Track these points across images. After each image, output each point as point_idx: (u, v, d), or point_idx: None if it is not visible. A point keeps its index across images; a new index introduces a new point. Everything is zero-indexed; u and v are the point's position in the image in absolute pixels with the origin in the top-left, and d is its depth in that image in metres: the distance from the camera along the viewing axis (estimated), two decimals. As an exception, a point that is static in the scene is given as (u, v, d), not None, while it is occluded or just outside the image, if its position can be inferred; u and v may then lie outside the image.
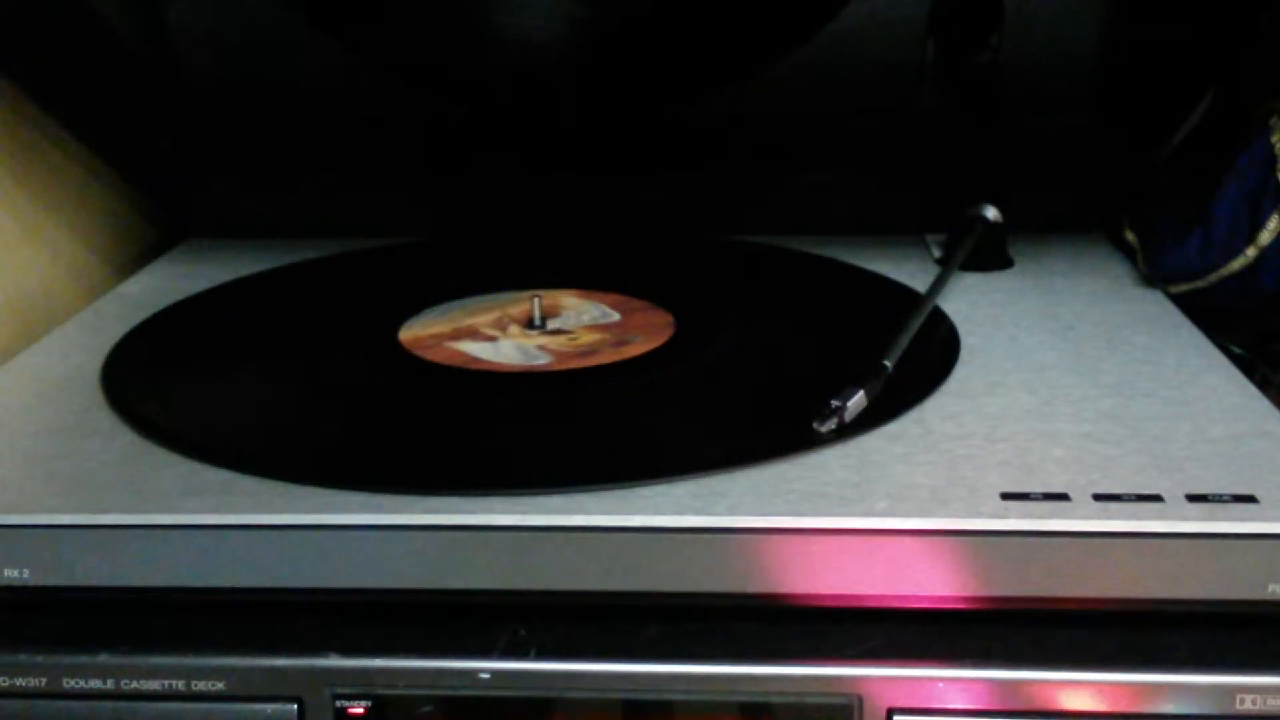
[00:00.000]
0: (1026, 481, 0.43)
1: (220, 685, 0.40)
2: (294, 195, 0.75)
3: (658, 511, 0.41)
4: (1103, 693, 0.39)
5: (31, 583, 0.42)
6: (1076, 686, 0.39)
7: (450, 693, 0.40)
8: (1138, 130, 0.71)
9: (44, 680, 0.41)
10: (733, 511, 0.41)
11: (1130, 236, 0.66)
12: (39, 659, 0.41)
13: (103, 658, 0.41)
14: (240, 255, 0.71)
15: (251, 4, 0.72)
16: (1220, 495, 0.41)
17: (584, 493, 0.42)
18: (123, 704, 0.41)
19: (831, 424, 0.46)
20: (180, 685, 0.41)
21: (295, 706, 0.40)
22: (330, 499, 0.42)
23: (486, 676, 0.40)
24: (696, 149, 0.74)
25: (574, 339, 0.57)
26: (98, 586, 0.42)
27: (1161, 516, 0.40)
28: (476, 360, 0.54)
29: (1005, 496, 0.42)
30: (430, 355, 0.55)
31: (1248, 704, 0.39)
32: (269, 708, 0.40)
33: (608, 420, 0.50)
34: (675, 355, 0.55)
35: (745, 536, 0.40)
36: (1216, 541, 0.40)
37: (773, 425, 0.47)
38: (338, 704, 0.40)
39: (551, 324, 0.58)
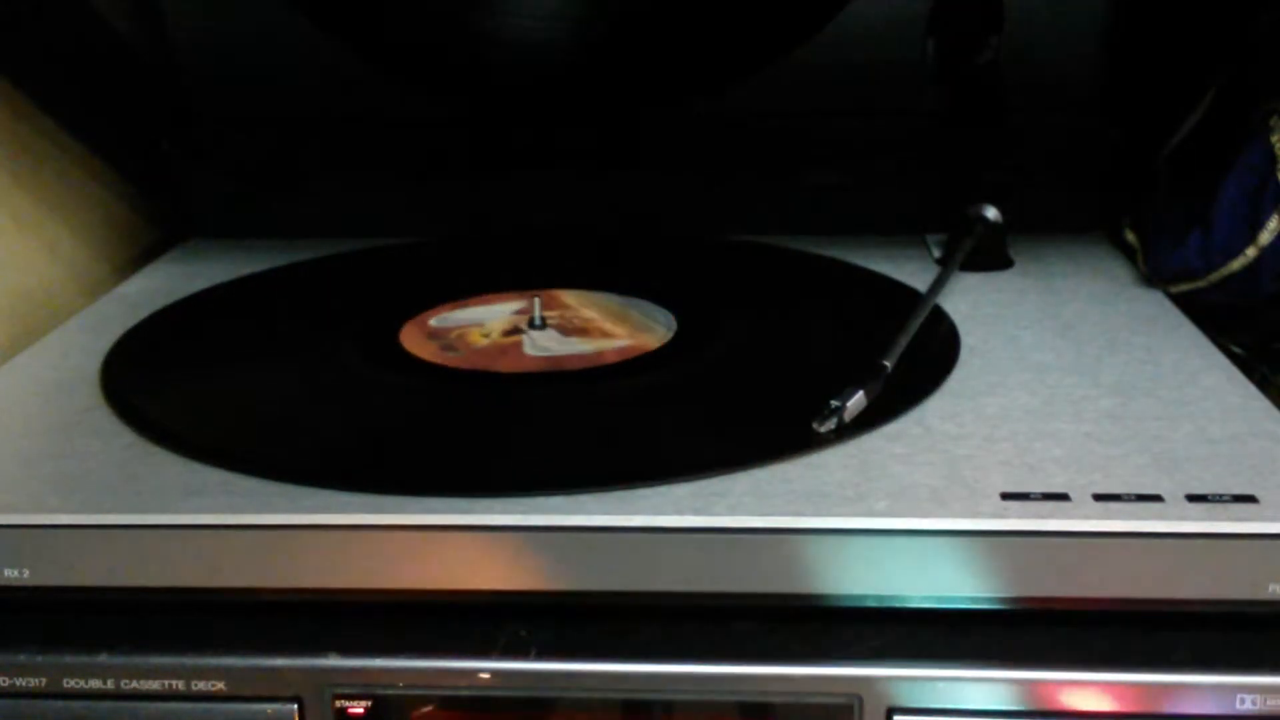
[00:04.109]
0: (1026, 481, 0.43)
1: (220, 685, 0.41)
2: (294, 195, 0.75)
3: (658, 511, 0.41)
4: (1103, 693, 0.39)
5: (31, 583, 0.42)
6: (1076, 686, 0.39)
7: (450, 693, 0.40)
8: (1138, 130, 0.71)
9: (44, 680, 0.41)
10: (733, 511, 0.41)
11: (1130, 236, 0.66)
12: (39, 659, 0.41)
13: (103, 658, 0.41)
14: (240, 255, 0.71)
15: (251, 4, 0.72)
16: (1220, 495, 0.41)
17: (584, 493, 0.42)
18: (123, 704, 0.41)
19: (831, 424, 0.46)
20: (180, 685, 0.41)
21: (295, 706, 0.40)
22: (330, 499, 0.42)
23: (486, 676, 0.40)
24: (697, 149, 0.74)
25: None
26: (98, 586, 0.42)
27: (1161, 516, 0.40)
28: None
29: (1005, 496, 0.42)
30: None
31: (1248, 704, 0.39)
32: (269, 708, 0.40)
33: (607, 420, 0.50)
34: (675, 355, 0.55)
35: (745, 536, 0.40)
36: (1216, 541, 0.40)
37: (773, 425, 0.47)
38: (338, 704, 0.40)
39: (551, 324, 0.58)
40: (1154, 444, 0.45)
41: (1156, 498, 0.41)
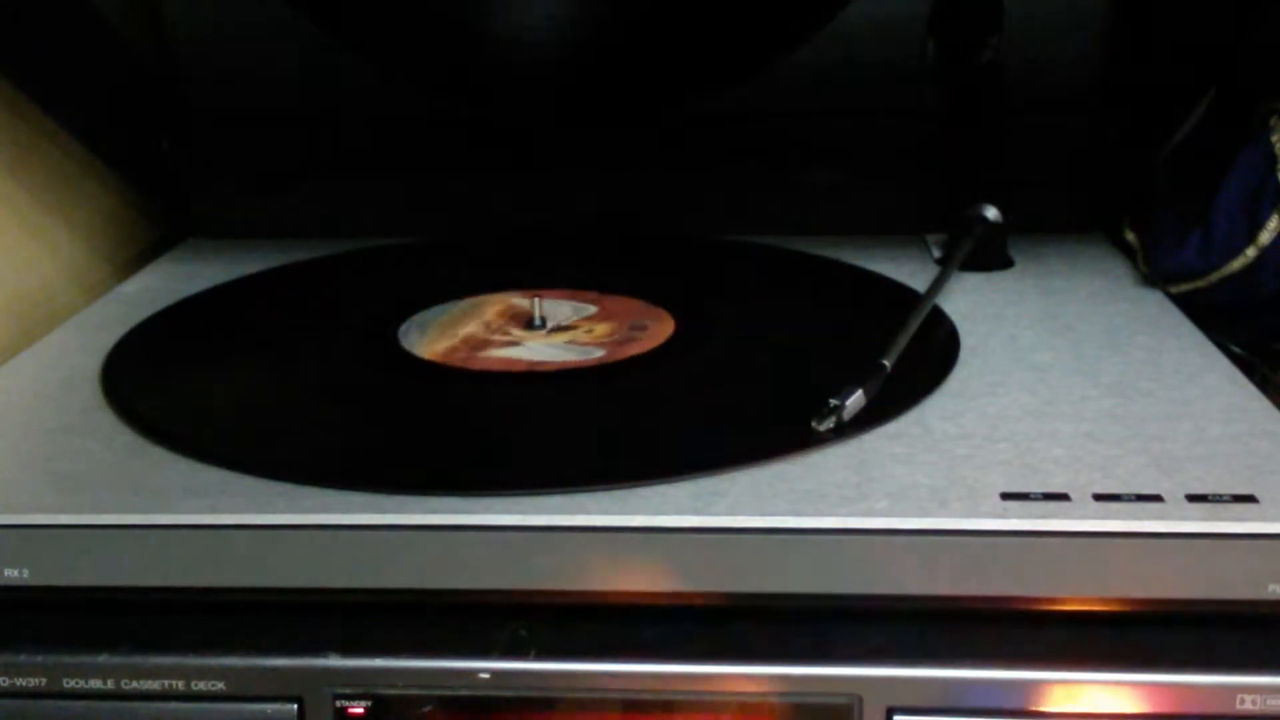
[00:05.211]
0: (1026, 481, 0.43)
1: (220, 685, 0.40)
2: (294, 195, 0.75)
3: (658, 511, 0.41)
4: (1103, 693, 0.39)
5: (31, 583, 0.42)
6: (1076, 686, 0.39)
7: (450, 693, 0.40)
8: (1138, 130, 0.71)
9: (44, 680, 0.41)
10: (733, 511, 0.41)
11: (1130, 236, 0.66)
12: (39, 659, 0.41)
13: (103, 658, 0.41)
14: (240, 255, 0.71)
15: (251, 4, 0.72)
16: (1220, 495, 0.41)
17: (584, 493, 0.42)
18: (123, 704, 0.41)
19: (830, 423, 0.46)
20: (180, 685, 0.41)
21: (295, 706, 0.40)
22: (330, 499, 0.42)
23: (486, 676, 0.40)
24: (697, 149, 0.74)
25: (570, 340, 0.57)
26: (98, 586, 0.42)
27: (1161, 516, 0.40)
28: (496, 360, 0.55)
29: (1005, 496, 0.42)
30: (430, 355, 0.55)
31: (1248, 704, 0.39)
32: (269, 708, 0.40)
33: (607, 420, 0.50)
34: (675, 355, 0.55)
35: (745, 536, 0.40)
36: (1216, 541, 0.40)
37: (773, 425, 0.47)
38: (338, 704, 0.40)
39: (551, 324, 0.58)
40: (1154, 444, 0.45)
41: (1156, 498, 0.41)
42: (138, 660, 0.41)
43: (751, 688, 0.40)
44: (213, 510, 0.42)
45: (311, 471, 0.43)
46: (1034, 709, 0.39)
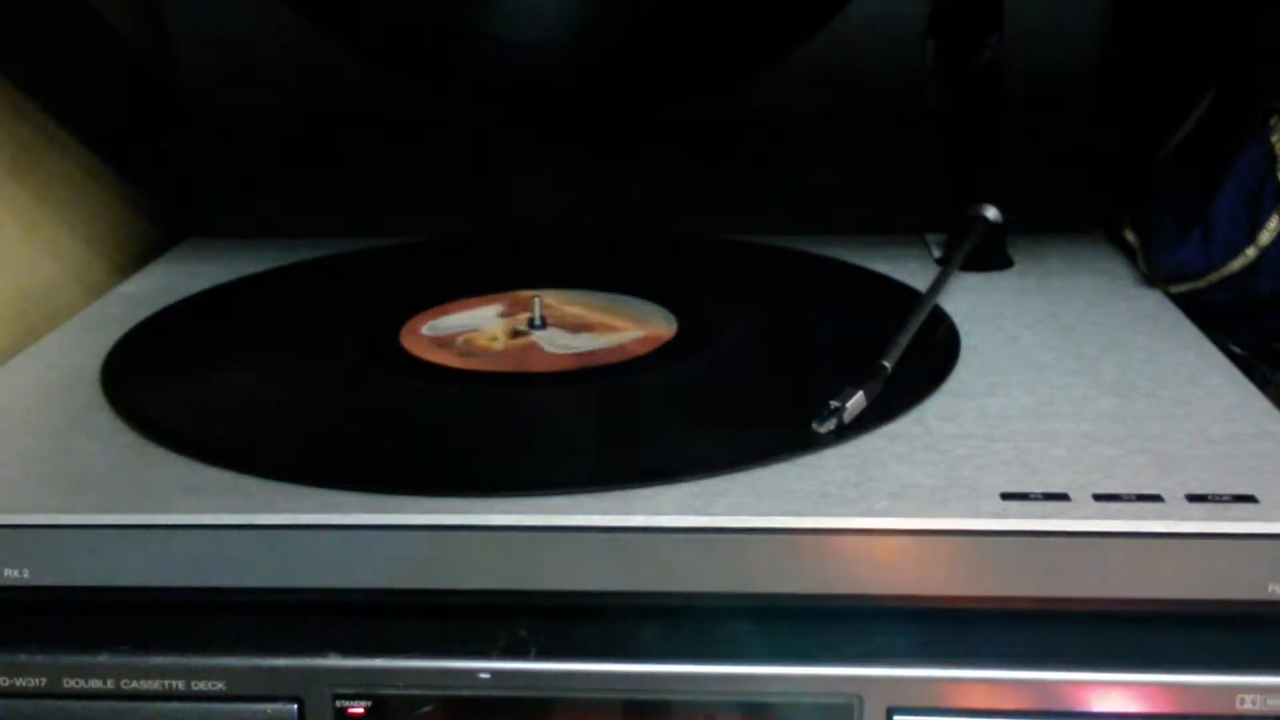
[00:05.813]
0: (1026, 481, 0.43)
1: (220, 685, 0.41)
2: (294, 195, 0.75)
3: (658, 511, 0.41)
4: (1102, 692, 0.39)
5: (31, 583, 0.42)
6: (1076, 686, 0.39)
7: (450, 693, 0.40)
8: (1137, 130, 0.71)
9: (44, 680, 0.41)
10: (733, 511, 0.41)
11: (1130, 236, 0.66)
12: (39, 659, 0.41)
13: (103, 658, 0.41)
14: (240, 255, 0.71)
15: (251, 4, 0.72)
16: (1220, 495, 0.41)
17: (584, 493, 0.42)
18: (123, 704, 0.41)
19: (831, 424, 0.46)
20: (180, 685, 0.41)
21: (295, 706, 0.40)
22: (330, 499, 0.42)
23: (486, 676, 0.40)
24: (697, 149, 0.74)
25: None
26: (98, 586, 0.42)
27: (1161, 516, 0.40)
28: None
29: (1005, 496, 0.42)
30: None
31: (1248, 704, 0.39)
32: (269, 708, 0.40)
33: (607, 420, 0.50)
34: (675, 355, 0.55)
35: (745, 536, 0.40)
36: (1216, 541, 0.40)
37: (773, 425, 0.47)
38: (338, 704, 0.40)
39: (551, 324, 0.58)
40: (1154, 444, 0.45)
41: (1156, 498, 0.41)
42: (138, 660, 0.41)
43: (751, 688, 0.40)
44: (213, 510, 0.42)
45: (311, 471, 0.43)
46: (1034, 709, 0.39)
